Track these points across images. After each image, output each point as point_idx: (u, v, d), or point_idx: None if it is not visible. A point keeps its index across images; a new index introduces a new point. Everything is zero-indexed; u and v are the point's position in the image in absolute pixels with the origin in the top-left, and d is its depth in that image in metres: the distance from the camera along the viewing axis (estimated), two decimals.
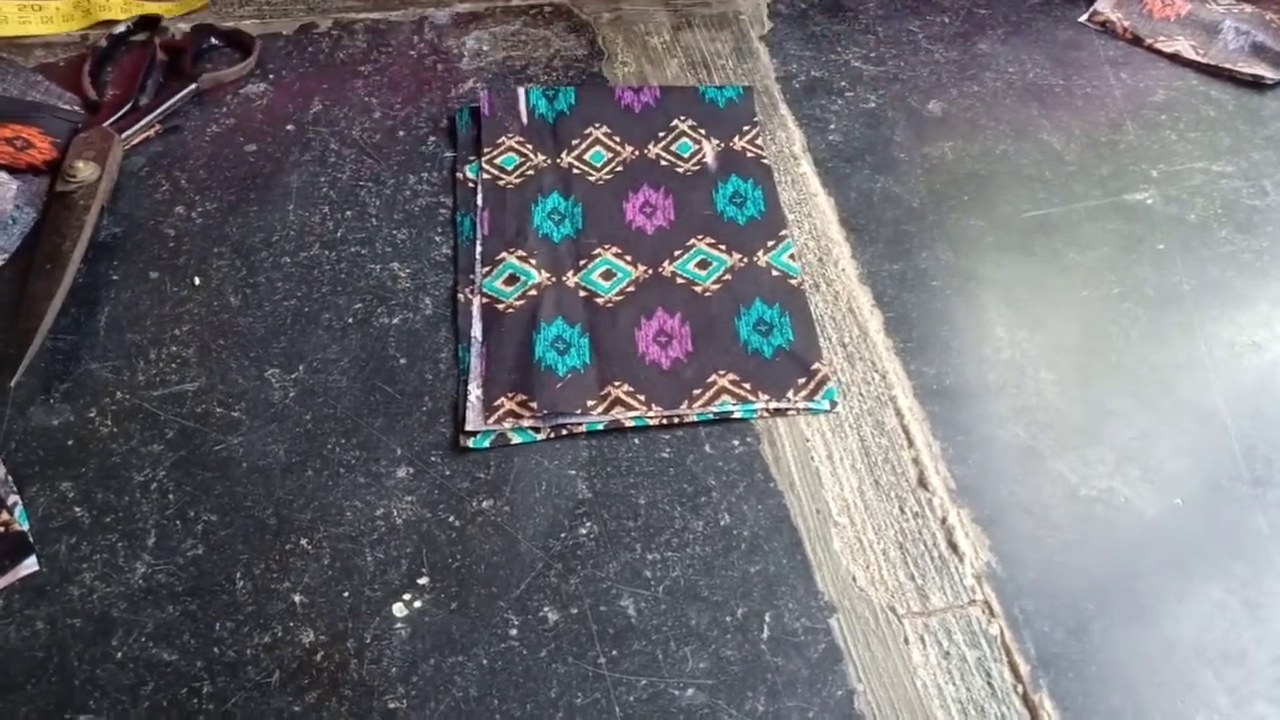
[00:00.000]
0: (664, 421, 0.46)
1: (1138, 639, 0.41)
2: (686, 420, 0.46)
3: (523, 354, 0.48)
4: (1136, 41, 0.68)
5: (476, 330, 0.49)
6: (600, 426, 0.46)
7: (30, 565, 0.41)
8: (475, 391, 0.46)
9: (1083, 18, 0.70)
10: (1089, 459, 0.46)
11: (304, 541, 0.42)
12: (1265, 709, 0.39)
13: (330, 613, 0.40)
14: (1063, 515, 0.44)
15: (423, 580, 0.41)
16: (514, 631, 0.40)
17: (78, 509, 0.43)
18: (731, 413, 0.47)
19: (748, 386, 0.47)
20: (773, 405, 0.47)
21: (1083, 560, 0.43)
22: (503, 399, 0.46)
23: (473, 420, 0.45)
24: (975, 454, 0.46)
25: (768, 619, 0.41)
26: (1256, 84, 0.65)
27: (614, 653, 0.39)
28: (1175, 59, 0.66)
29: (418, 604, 0.40)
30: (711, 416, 0.46)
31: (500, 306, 0.50)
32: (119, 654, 0.39)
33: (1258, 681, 0.40)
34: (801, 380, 0.48)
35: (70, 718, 0.37)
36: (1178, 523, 0.44)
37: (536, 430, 0.46)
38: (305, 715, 0.38)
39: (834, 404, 0.47)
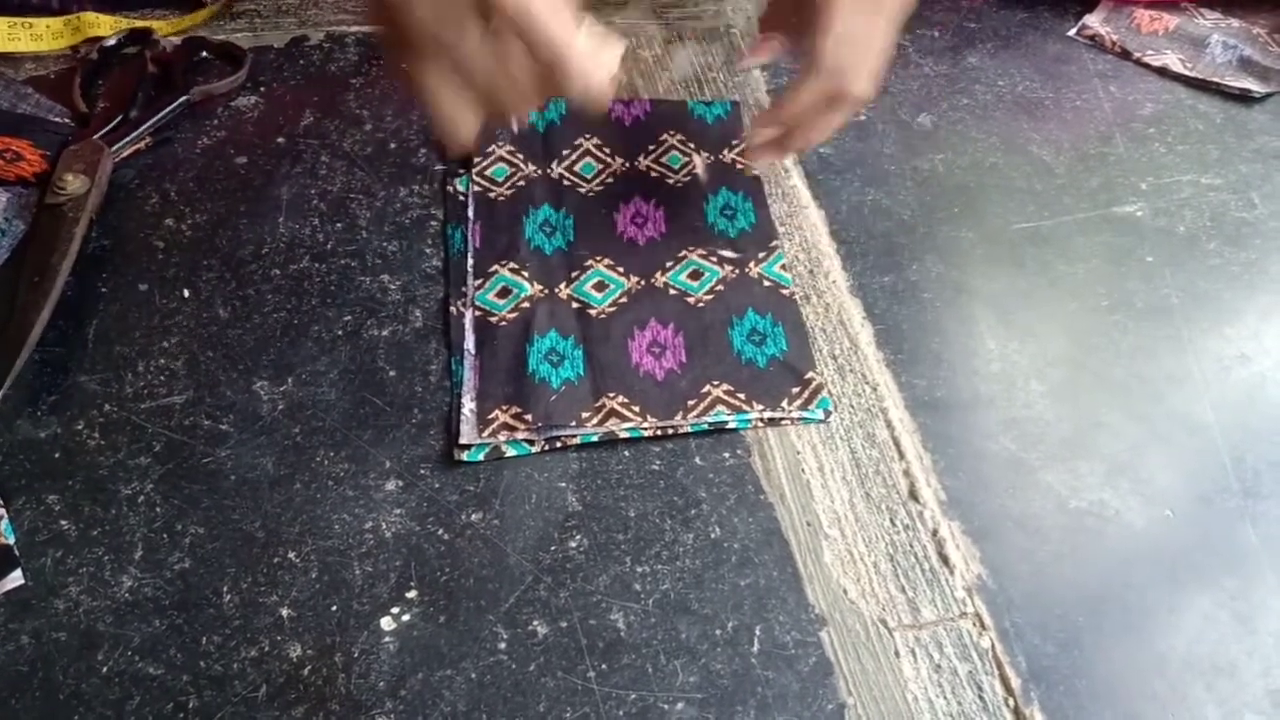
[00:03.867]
0: (657, 433, 0.46)
1: (1129, 652, 0.41)
2: (680, 431, 0.46)
3: (516, 367, 0.48)
4: (1125, 55, 0.68)
5: (469, 343, 0.49)
6: (595, 438, 0.46)
7: (16, 579, 0.40)
8: (469, 404, 0.46)
9: (1072, 31, 0.70)
10: (1079, 471, 0.46)
11: (292, 555, 0.42)
12: None
13: (318, 626, 0.40)
14: (1053, 527, 0.44)
15: (411, 594, 0.41)
16: (503, 645, 0.40)
17: (64, 522, 0.42)
18: (726, 423, 0.46)
19: (742, 396, 0.47)
20: (767, 415, 0.47)
21: (1073, 573, 0.43)
22: (497, 411, 0.46)
23: (466, 433, 0.45)
24: (966, 466, 0.46)
25: (758, 632, 0.40)
26: (1244, 97, 0.65)
27: (603, 666, 0.39)
28: (1164, 73, 0.67)
29: (406, 617, 0.40)
30: (706, 427, 0.46)
31: (493, 320, 0.50)
32: (105, 668, 0.38)
33: (1248, 694, 0.39)
34: (795, 390, 0.48)
35: None
36: (1168, 535, 0.44)
37: (531, 443, 0.45)
38: None
39: (828, 413, 0.47)
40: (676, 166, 0.58)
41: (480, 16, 0.38)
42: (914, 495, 0.45)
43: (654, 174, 0.58)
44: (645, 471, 0.45)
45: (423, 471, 0.45)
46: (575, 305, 0.51)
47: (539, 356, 0.48)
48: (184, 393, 0.47)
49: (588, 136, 0.59)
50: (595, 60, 0.40)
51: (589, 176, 0.57)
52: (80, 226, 0.51)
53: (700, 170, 0.58)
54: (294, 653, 0.39)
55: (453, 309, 0.50)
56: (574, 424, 0.46)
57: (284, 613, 0.40)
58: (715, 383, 0.48)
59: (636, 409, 0.46)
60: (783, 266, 0.53)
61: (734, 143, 0.59)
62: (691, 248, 0.53)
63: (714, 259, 0.53)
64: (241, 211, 0.55)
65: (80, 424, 0.45)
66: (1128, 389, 0.49)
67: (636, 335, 0.49)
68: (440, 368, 0.48)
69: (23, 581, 0.41)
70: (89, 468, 0.44)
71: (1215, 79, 0.66)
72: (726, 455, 0.46)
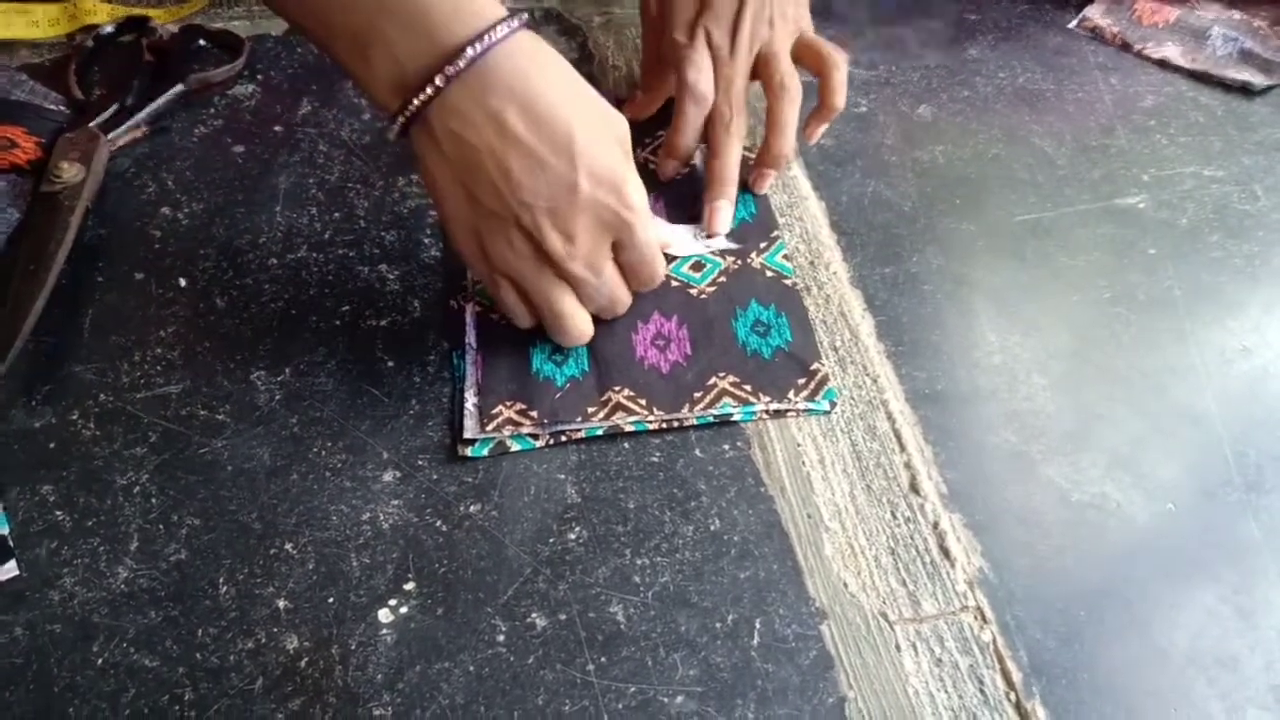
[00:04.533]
0: (662, 426, 0.46)
1: (1131, 646, 0.40)
2: (686, 423, 0.46)
3: (520, 364, 0.47)
4: (1126, 47, 0.68)
5: (471, 338, 0.48)
6: (600, 432, 0.45)
7: (10, 570, 0.40)
8: (472, 399, 0.46)
9: (1072, 24, 0.70)
10: (1080, 464, 0.46)
11: (289, 546, 0.42)
12: (1258, 716, 0.39)
13: (315, 618, 0.40)
14: (1054, 521, 0.44)
15: (409, 586, 0.41)
16: (501, 638, 0.39)
17: (59, 513, 0.42)
18: (732, 415, 0.46)
19: (748, 388, 0.47)
20: (774, 407, 0.46)
21: (1075, 566, 0.42)
22: (500, 407, 0.45)
23: (470, 429, 0.45)
24: (967, 459, 0.46)
25: (758, 625, 0.40)
26: (1245, 90, 0.65)
27: (602, 659, 0.39)
28: (1164, 65, 0.67)
29: (404, 610, 0.40)
30: (712, 419, 0.46)
31: (494, 316, 0.49)
32: (99, 660, 0.38)
33: (1250, 689, 0.39)
34: (801, 380, 0.47)
35: None
36: (1170, 529, 0.44)
37: (535, 438, 0.45)
38: None
39: (834, 404, 0.47)
40: None
41: (612, 250, 0.45)
42: (915, 488, 0.45)
43: (652, 166, 0.57)
44: (645, 463, 0.45)
45: (421, 463, 0.44)
46: None
47: (543, 356, 0.47)
48: (180, 383, 0.46)
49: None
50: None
51: None
52: (76, 215, 0.50)
53: (699, 160, 0.57)
54: (291, 645, 0.39)
55: (452, 303, 0.50)
56: (580, 419, 0.45)
57: (281, 604, 0.40)
58: (721, 375, 0.47)
59: (642, 403, 0.46)
60: (785, 257, 0.53)
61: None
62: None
63: (715, 250, 0.53)
64: (239, 201, 0.54)
65: (75, 414, 0.45)
66: (1129, 382, 0.49)
67: (640, 328, 0.49)
68: (439, 359, 0.48)
69: (17, 573, 0.40)
70: (84, 458, 0.44)
71: (1216, 71, 0.65)
72: (726, 447, 0.46)
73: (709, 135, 0.54)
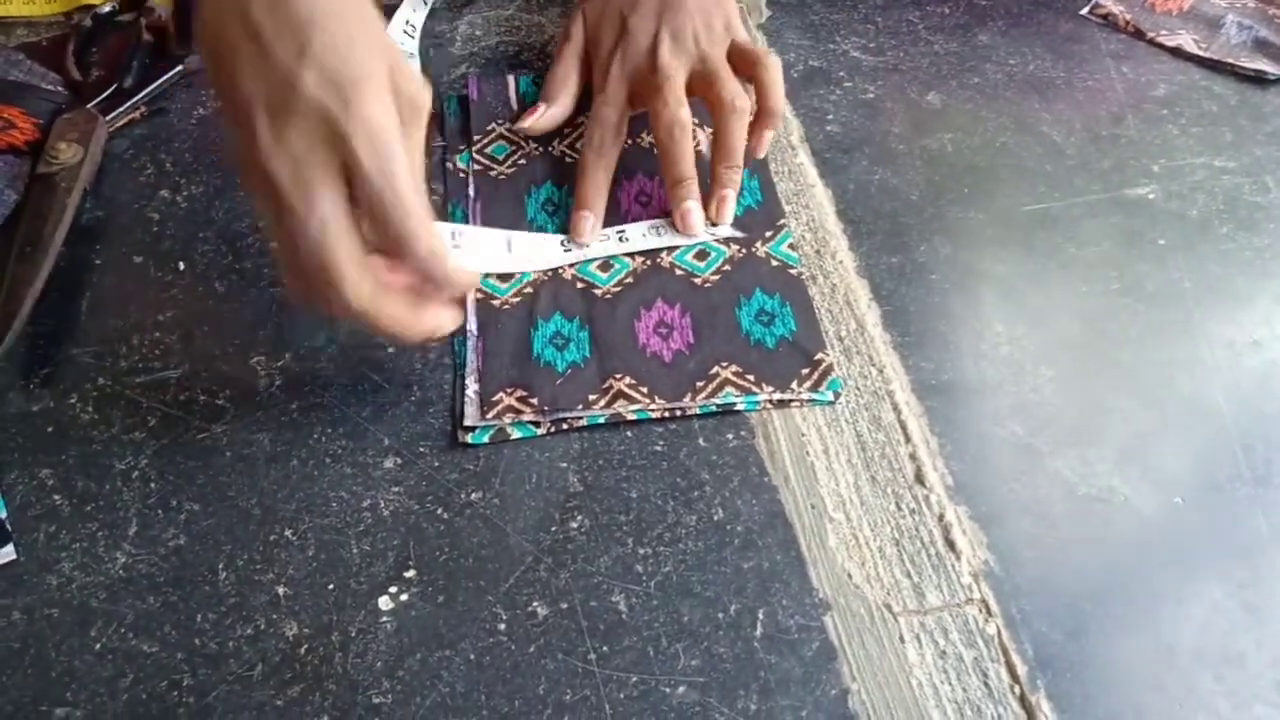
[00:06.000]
0: (664, 414, 0.45)
1: (1137, 640, 0.40)
2: (688, 412, 0.45)
3: (521, 351, 0.47)
4: (1138, 35, 0.67)
5: (471, 324, 0.48)
6: (602, 420, 0.45)
7: (8, 554, 0.40)
8: (472, 386, 0.46)
9: (1084, 10, 0.69)
10: (1088, 457, 0.45)
11: (288, 532, 0.41)
12: (1265, 712, 0.38)
13: (314, 605, 0.39)
14: (1061, 514, 0.43)
15: (409, 573, 0.40)
16: (502, 626, 0.39)
17: (57, 497, 0.42)
18: (735, 404, 0.46)
19: (751, 378, 0.46)
20: (776, 397, 0.46)
21: (1081, 560, 0.42)
22: (501, 394, 0.45)
23: (471, 415, 0.44)
24: (973, 450, 0.45)
25: (761, 616, 0.40)
26: (1259, 79, 0.64)
27: (604, 649, 0.39)
28: (1177, 53, 0.66)
29: (404, 597, 0.40)
30: (714, 409, 0.46)
31: (496, 303, 0.49)
32: (98, 645, 0.38)
33: (1257, 685, 0.39)
34: (805, 371, 0.47)
35: (47, 710, 0.36)
36: (1177, 522, 0.44)
37: (536, 425, 0.45)
38: (287, 709, 0.37)
39: (838, 394, 0.46)
40: None
41: (339, 180, 0.37)
42: (920, 479, 0.44)
43: (657, 151, 0.57)
44: (648, 452, 0.44)
45: (422, 449, 0.44)
46: (580, 285, 0.50)
47: (543, 341, 0.47)
48: (179, 367, 0.46)
49: (589, 113, 0.58)
50: (443, 250, 0.40)
51: None
52: (73, 197, 0.50)
53: (704, 147, 0.57)
54: (290, 631, 0.39)
55: None
56: (581, 407, 0.45)
57: (280, 591, 0.40)
58: (724, 364, 0.47)
59: (644, 390, 0.46)
60: (790, 246, 0.52)
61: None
62: None
63: (720, 238, 0.52)
64: (237, 183, 0.54)
65: (74, 398, 0.45)
66: (1138, 374, 0.49)
67: (643, 315, 0.49)
68: (440, 345, 0.48)
69: (15, 556, 0.40)
70: (82, 442, 0.43)
71: (1230, 60, 0.65)
72: (730, 436, 0.45)
73: (715, 121, 0.53)
